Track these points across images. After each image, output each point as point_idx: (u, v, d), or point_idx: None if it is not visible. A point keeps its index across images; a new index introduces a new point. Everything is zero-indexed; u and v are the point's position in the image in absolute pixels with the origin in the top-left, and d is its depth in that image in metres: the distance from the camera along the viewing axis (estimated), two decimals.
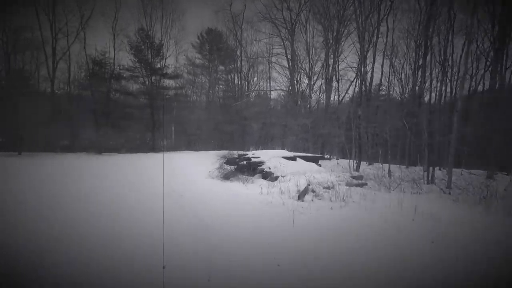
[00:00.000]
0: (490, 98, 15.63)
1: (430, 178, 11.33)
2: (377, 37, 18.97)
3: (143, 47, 22.04)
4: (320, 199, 7.29)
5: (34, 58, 21.32)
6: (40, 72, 21.88)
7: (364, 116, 17.14)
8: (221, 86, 28.77)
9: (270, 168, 10.46)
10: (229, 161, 12.55)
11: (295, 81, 24.16)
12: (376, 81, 22.67)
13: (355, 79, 22.32)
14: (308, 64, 24.33)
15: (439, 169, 14.56)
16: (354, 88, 23.31)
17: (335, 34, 22.30)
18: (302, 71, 24.84)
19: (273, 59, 25.91)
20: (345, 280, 3.00)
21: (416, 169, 16.31)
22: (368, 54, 18.73)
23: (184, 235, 4.21)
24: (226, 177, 10.79)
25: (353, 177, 10.24)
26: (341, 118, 22.21)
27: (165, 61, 24.97)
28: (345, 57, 21.33)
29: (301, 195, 7.30)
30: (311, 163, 11.73)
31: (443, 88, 17.43)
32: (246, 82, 28.23)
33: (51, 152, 17.35)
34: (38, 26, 19.76)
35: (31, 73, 21.75)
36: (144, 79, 23.12)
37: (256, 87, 29.57)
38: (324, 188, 8.16)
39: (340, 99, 24.46)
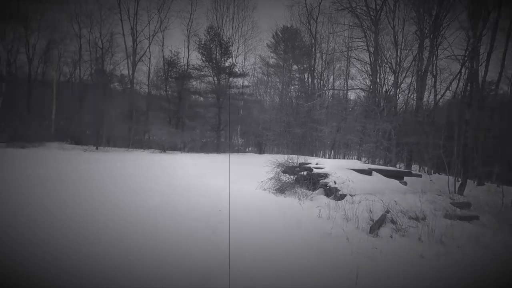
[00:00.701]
0: None
1: None
2: (498, 17, 14.72)
3: (211, 45, 22.57)
4: (404, 235, 5.33)
5: (115, 59, 24.02)
6: (120, 72, 24.60)
7: (474, 121, 13.40)
8: (294, 86, 27.64)
9: (335, 183, 8.67)
10: (287, 169, 11.14)
11: (377, 79, 21.10)
12: (492, 76, 17.88)
13: (460, 73, 18.01)
14: (395, 59, 20.95)
15: None
16: (458, 85, 18.83)
17: (433, 19, 18.49)
18: (387, 66, 21.54)
19: (353, 54, 23.30)
20: None
21: None
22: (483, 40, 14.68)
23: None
24: (281, 190, 9.45)
25: (456, 204, 7.63)
26: (438, 122, 18.23)
27: (235, 59, 25.14)
28: (448, 46, 17.28)
29: (375, 227, 5.44)
30: (392, 180, 9.43)
31: None
32: (321, 81, 26.35)
33: (124, 148, 19.04)
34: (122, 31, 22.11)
35: (112, 74, 24.64)
36: (213, 78, 23.68)
37: (331, 86, 27.34)
38: (410, 218, 6.07)
39: (437, 99, 20.23)
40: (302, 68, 26.96)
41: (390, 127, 17.92)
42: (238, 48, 25.88)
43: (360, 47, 22.88)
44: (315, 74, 26.40)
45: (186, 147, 21.35)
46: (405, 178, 10.91)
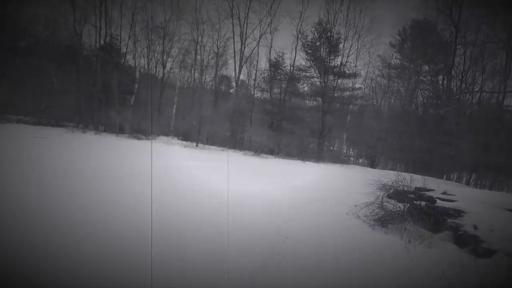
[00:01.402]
0: None
1: None
2: None
3: (318, 43, 20.65)
4: None
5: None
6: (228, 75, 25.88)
7: None
8: (423, 92, 22.51)
9: (476, 228, 5.45)
10: (395, 194, 8.13)
11: None
12: None
13: None
14: None
15: None
16: None
17: None
18: None
19: None
20: None
21: None
22: None
23: None
24: (382, 222, 6.85)
25: None
26: None
27: (345, 58, 22.40)
28: None
29: None
30: None
31: None
32: (462, 83, 20.39)
33: (221, 147, 19.54)
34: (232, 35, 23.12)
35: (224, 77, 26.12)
36: (319, 79, 21.75)
37: (478, 88, 20.74)
38: None
39: None
40: (435, 69, 21.47)
41: None
42: (351, 46, 22.90)
43: None
44: (454, 74, 20.45)
45: (281, 151, 20.20)
46: None
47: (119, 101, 18.39)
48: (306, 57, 21.87)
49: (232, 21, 22.93)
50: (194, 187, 7.43)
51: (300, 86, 24.27)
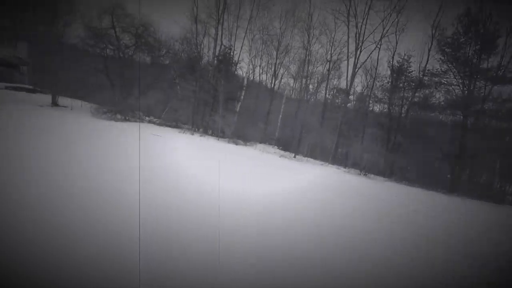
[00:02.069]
0: None
1: None
2: None
3: (462, 39, 15.76)
4: None
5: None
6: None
7: None
8: None
9: None
10: None
11: None
12: None
13: None
14: None
15: None
16: None
17: None
18: None
19: None
20: None
21: None
22: None
23: None
24: None
25: None
26: None
27: (507, 58, 16.43)
28: None
29: None
30: None
31: None
32: None
33: (321, 161, 17.51)
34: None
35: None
36: (459, 86, 16.75)
37: None
38: None
39: None
40: None
41: None
42: None
43: None
44: None
45: (394, 174, 16.25)
46: None
47: (224, 107, 19.34)
48: (442, 58, 17.08)
49: (348, 23, 20.72)
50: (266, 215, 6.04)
51: (431, 96, 19.37)
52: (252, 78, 24.28)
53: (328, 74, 25.75)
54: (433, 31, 18.26)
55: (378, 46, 20.49)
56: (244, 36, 21.90)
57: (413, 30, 28.40)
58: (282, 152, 18.13)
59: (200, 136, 18.11)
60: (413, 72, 18.63)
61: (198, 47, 20.85)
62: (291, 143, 20.08)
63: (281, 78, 26.96)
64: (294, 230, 4.71)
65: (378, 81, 21.34)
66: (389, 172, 16.46)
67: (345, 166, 18.04)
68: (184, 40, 22.27)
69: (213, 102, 19.90)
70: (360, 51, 20.72)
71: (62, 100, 21.82)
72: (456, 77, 16.81)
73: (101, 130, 12.93)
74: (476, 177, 19.21)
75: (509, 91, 16.40)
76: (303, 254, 3.78)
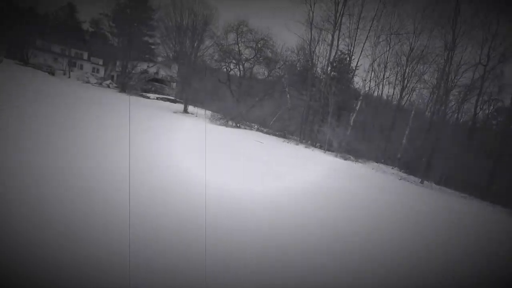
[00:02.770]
0: None
1: None
2: None
3: None
4: None
5: None
6: None
7: None
8: None
9: None
10: None
11: None
12: None
13: None
14: None
15: None
16: None
17: None
18: None
19: None
20: None
21: None
22: None
23: None
24: None
25: None
26: None
27: None
28: None
29: None
30: None
31: None
32: None
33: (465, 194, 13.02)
34: None
35: None
36: None
37: None
38: None
39: None
40: None
41: None
42: None
43: None
44: None
45: None
46: None
47: (335, 118, 17.30)
48: None
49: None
50: None
51: None
52: (371, 87, 21.28)
53: (482, 84, 19.68)
54: None
55: None
56: (366, 39, 19.35)
57: None
58: (403, 175, 14.42)
59: (306, 147, 16.77)
60: None
61: (312, 53, 19.81)
62: (417, 167, 15.93)
63: (411, 89, 22.57)
64: None
65: None
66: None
67: (505, 205, 12.55)
68: (300, 49, 21.85)
69: (324, 113, 18.22)
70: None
71: (191, 108, 25.40)
72: None
73: (211, 132, 13.81)
74: None
75: None
76: None
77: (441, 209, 9.49)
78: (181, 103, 27.02)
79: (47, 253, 2.45)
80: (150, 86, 32.02)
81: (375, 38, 18.89)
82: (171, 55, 32.73)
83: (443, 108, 19.17)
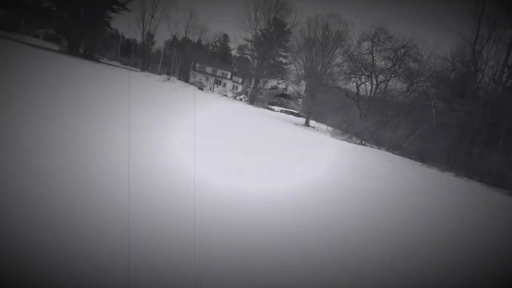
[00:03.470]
0: None
1: None
2: None
3: None
4: None
5: None
6: None
7: None
8: None
9: None
10: None
11: None
12: None
13: None
14: None
15: None
16: None
17: None
18: None
19: None
20: None
21: None
22: None
23: None
24: None
25: None
26: None
27: None
28: None
29: None
30: None
31: None
32: None
33: None
34: None
35: None
36: None
37: None
38: None
39: None
40: None
41: None
42: None
43: None
44: None
45: None
46: None
47: (507, 139, 11.88)
48: None
49: None
50: None
51: None
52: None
53: None
54: None
55: None
56: None
57: None
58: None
59: (455, 176, 12.29)
60: None
61: (477, 56, 14.71)
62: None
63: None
64: None
65: None
66: None
67: None
68: (457, 56, 17.03)
69: (490, 133, 12.95)
70: None
71: (313, 123, 24.27)
72: None
73: (330, 147, 12.22)
74: None
75: None
76: None
77: None
78: (304, 117, 26.59)
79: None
80: (277, 100, 33.84)
81: None
82: (301, 72, 33.46)
83: None
